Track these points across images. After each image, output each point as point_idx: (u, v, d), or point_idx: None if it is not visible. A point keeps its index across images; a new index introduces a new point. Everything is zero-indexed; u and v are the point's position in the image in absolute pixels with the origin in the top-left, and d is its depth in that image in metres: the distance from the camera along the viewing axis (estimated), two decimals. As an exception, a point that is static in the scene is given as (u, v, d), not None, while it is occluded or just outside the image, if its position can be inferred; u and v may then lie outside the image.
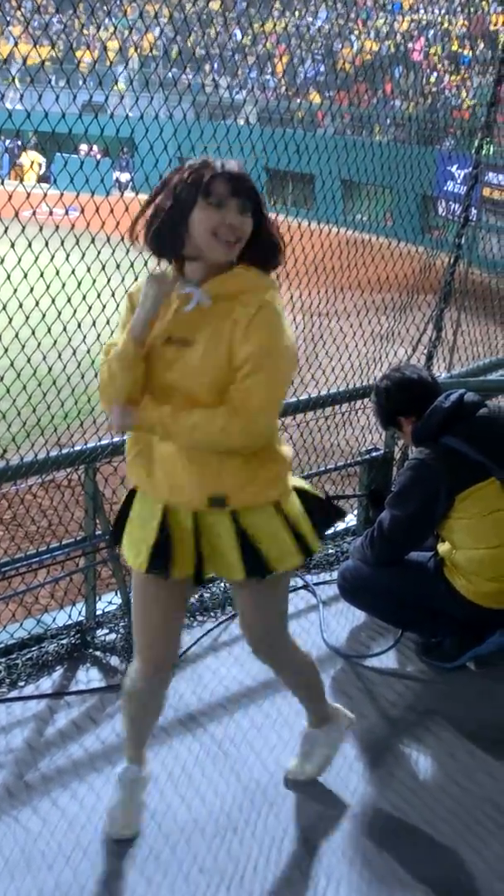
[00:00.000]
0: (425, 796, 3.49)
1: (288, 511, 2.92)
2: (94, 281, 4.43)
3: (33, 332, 4.26)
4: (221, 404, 2.68)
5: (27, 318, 4.21)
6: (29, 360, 4.26)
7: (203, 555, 2.92)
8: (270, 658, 3.27)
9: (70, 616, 4.38)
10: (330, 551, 5.26)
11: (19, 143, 18.94)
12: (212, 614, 4.56)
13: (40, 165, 18.02)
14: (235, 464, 2.79)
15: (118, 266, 4.50)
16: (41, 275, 4.24)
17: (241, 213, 2.64)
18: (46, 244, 4.24)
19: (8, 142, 18.75)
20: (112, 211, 4.57)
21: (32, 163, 18.35)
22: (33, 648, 4.18)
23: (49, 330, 4.31)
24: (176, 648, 3.17)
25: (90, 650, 4.25)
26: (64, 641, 4.25)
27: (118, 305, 4.50)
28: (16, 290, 4.15)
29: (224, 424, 2.65)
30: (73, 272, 4.38)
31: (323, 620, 4.57)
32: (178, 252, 2.72)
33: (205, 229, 2.63)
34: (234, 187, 2.63)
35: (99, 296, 4.44)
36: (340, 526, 5.55)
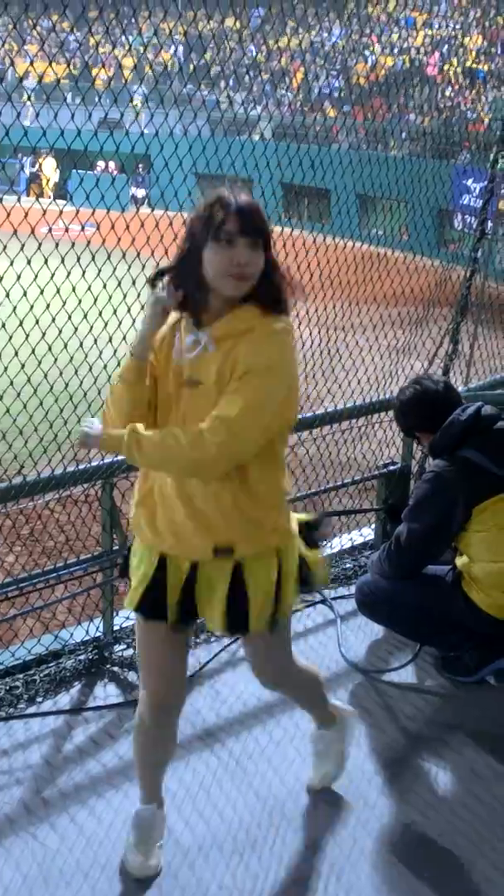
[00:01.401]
0: (445, 811, 3.47)
1: (285, 561, 2.89)
2: (111, 297, 4.44)
3: (50, 348, 4.27)
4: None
5: (44, 333, 4.23)
6: (46, 376, 4.27)
7: (196, 600, 2.88)
8: (283, 688, 3.36)
9: (87, 632, 4.38)
10: (348, 566, 5.25)
11: (35, 160, 19.05)
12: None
13: (55, 169, 18.04)
14: (250, 510, 2.76)
15: (134, 281, 4.51)
16: (58, 290, 4.25)
17: (251, 250, 2.59)
18: (63, 260, 4.26)
19: (25, 159, 18.86)
20: (128, 227, 4.58)
21: (48, 180, 18.43)
22: (51, 664, 4.18)
23: (66, 345, 4.32)
24: (181, 688, 3.09)
25: (108, 666, 4.24)
26: (82, 657, 4.25)
27: (134, 321, 4.53)
28: (32, 306, 4.17)
29: (198, 433, 2.58)
30: (89, 288, 4.40)
31: (341, 635, 4.55)
32: (202, 293, 2.66)
33: (215, 268, 2.60)
34: (242, 225, 2.58)
35: (115, 311, 4.44)
36: (358, 540, 5.54)
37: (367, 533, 5.58)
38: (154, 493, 2.81)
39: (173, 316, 2.73)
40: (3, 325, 4.15)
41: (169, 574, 2.85)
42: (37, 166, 19.72)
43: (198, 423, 2.61)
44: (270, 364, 2.63)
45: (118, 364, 4.49)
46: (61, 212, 4.45)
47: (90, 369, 4.44)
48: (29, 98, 4.53)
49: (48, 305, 4.21)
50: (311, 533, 3.03)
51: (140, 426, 2.67)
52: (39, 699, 4.00)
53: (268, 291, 2.67)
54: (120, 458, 4.16)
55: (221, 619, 2.85)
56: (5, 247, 3.98)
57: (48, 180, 18.95)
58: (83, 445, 2.82)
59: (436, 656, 4.40)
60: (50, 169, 19.47)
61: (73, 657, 4.24)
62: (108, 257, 4.49)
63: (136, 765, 3.20)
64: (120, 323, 4.47)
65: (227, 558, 2.79)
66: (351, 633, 4.60)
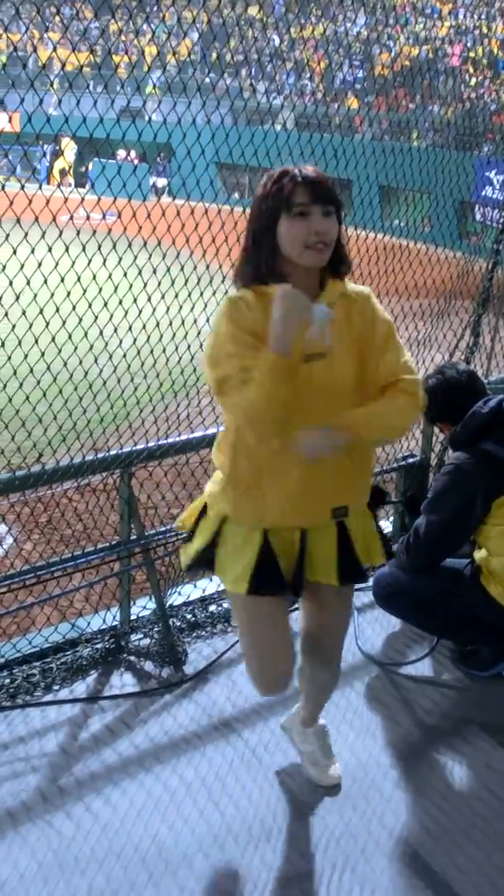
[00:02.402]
0: (460, 805, 3.46)
1: (374, 518, 3.10)
2: (131, 285, 4.44)
3: (70, 336, 4.27)
4: (363, 400, 2.80)
5: (64, 322, 4.22)
6: (65, 364, 4.27)
7: (304, 566, 2.96)
8: (333, 667, 3.34)
9: (105, 621, 4.38)
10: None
11: (56, 147, 18.97)
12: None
13: (72, 150, 17.95)
14: (364, 469, 2.95)
15: (155, 270, 4.51)
16: (78, 279, 4.25)
17: (325, 217, 2.66)
18: (84, 248, 4.25)
19: (47, 147, 18.80)
20: (149, 216, 4.57)
21: (70, 167, 18.40)
22: (68, 653, 4.19)
23: (86, 334, 4.32)
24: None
25: (124, 655, 4.25)
26: (98, 646, 4.25)
27: (154, 310, 4.52)
28: (53, 294, 4.16)
29: (402, 403, 2.78)
30: (109, 276, 4.39)
31: (358, 627, 4.54)
32: (276, 271, 2.70)
33: (293, 241, 2.66)
34: (313, 194, 2.65)
35: (135, 300, 4.44)
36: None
37: (385, 526, 5.56)
38: (263, 474, 2.83)
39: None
40: (24, 313, 4.15)
41: (276, 546, 2.91)
42: (57, 150, 19.60)
43: (331, 393, 2.74)
44: (392, 325, 2.87)
45: (137, 353, 4.52)
46: (83, 199, 4.45)
47: (110, 358, 4.43)
48: (51, 84, 4.52)
49: (68, 293, 4.20)
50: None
51: (358, 410, 2.77)
52: (56, 687, 4.01)
53: (340, 259, 2.80)
54: (138, 447, 4.18)
55: (336, 571, 2.98)
56: (27, 234, 3.97)
57: (70, 167, 18.90)
58: (328, 451, 2.77)
59: (453, 650, 4.38)
60: (70, 153, 19.39)
61: (90, 646, 4.25)
62: (129, 246, 4.48)
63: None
64: (140, 312, 4.46)
65: (340, 518, 2.95)
66: (368, 626, 4.59)
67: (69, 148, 19.14)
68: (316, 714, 3.50)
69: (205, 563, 3.02)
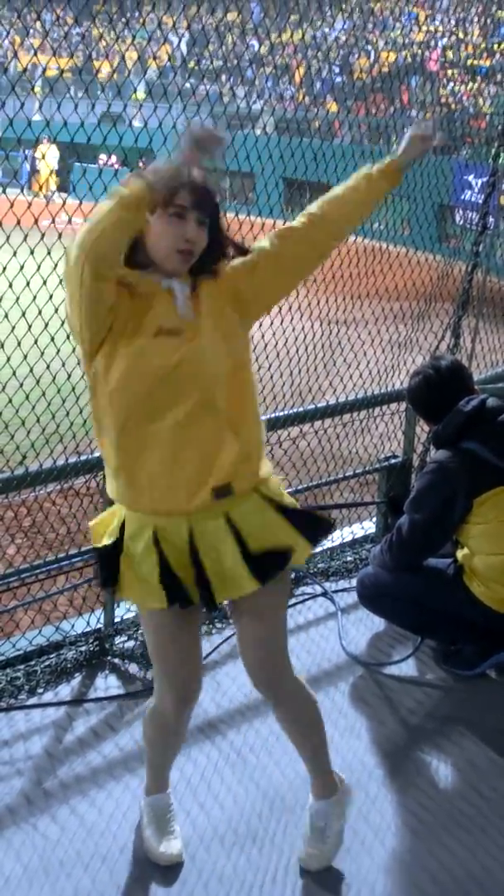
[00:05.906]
0: (445, 804, 3.47)
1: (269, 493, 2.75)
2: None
3: (52, 339, 4.27)
4: (244, 387, 2.68)
5: (46, 325, 4.23)
6: (48, 368, 4.27)
7: (207, 573, 2.66)
8: (279, 692, 2.98)
9: (88, 623, 4.38)
10: (349, 559, 5.25)
11: (36, 154, 18.93)
12: (230, 621, 4.54)
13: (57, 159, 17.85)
14: (244, 440, 2.66)
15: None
16: (61, 282, 4.25)
17: (198, 226, 2.57)
18: (65, 252, 4.26)
19: (28, 152, 18.75)
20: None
21: (51, 171, 18.34)
22: (52, 655, 4.18)
23: (68, 337, 4.31)
24: (201, 671, 3.03)
25: (108, 657, 4.24)
26: (83, 648, 4.25)
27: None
28: (34, 298, 4.17)
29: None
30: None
31: (342, 628, 4.56)
32: (134, 260, 2.59)
33: (162, 241, 2.55)
34: (195, 199, 2.54)
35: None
36: (359, 533, 5.54)
37: (368, 526, 5.58)
38: (131, 450, 2.62)
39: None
40: (6, 316, 4.15)
41: (167, 551, 2.67)
42: (38, 155, 19.47)
43: (201, 376, 2.58)
44: None
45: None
46: (64, 202, 4.45)
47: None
48: (32, 89, 4.53)
49: (51, 296, 4.21)
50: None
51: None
52: (40, 690, 4.00)
53: (208, 263, 2.66)
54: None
55: (246, 570, 2.65)
56: (8, 238, 3.97)
57: (51, 171, 18.81)
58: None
59: (437, 649, 4.40)
60: (52, 159, 19.30)
61: (74, 648, 4.24)
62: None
63: (153, 757, 3.17)
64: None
65: (225, 501, 2.64)
66: (352, 626, 4.61)
67: (51, 153, 19.07)
68: (323, 770, 3.15)
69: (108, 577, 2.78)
